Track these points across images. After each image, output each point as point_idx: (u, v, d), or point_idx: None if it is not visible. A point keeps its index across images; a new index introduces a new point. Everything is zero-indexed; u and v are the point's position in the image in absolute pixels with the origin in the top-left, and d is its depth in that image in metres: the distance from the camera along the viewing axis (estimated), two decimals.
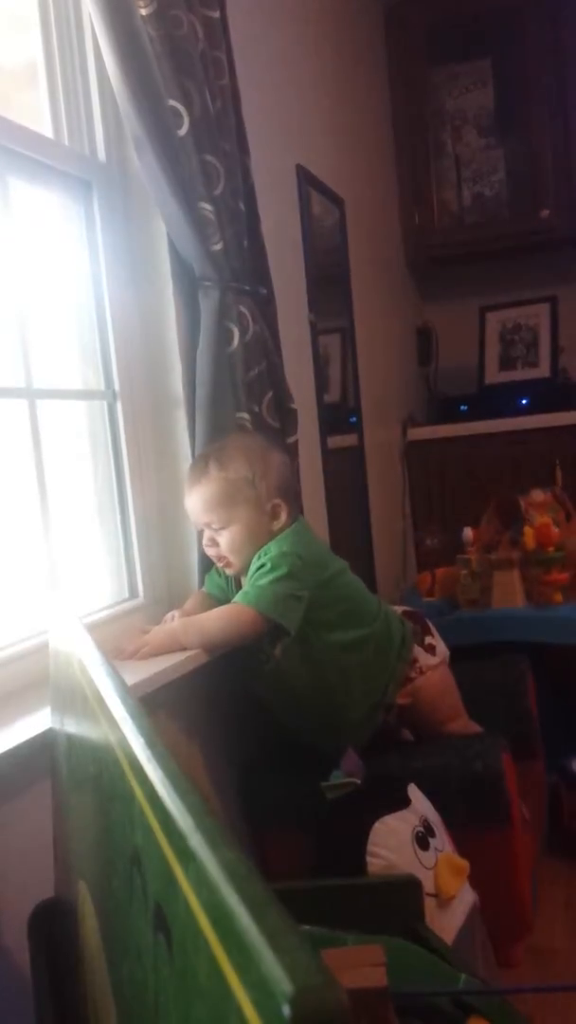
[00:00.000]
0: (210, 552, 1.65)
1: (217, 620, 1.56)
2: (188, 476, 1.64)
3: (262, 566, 1.56)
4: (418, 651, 1.78)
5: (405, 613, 1.85)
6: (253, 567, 1.59)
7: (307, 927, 1.06)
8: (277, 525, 1.62)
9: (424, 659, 1.78)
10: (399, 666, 1.74)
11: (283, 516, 1.62)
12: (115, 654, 1.48)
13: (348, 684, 1.68)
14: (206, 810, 0.45)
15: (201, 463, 1.61)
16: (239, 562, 1.62)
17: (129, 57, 1.53)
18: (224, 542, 1.61)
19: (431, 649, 1.81)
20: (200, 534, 1.67)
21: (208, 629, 1.54)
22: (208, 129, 1.61)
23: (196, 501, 1.61)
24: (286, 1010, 0.29)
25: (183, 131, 1.57)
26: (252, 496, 1.60)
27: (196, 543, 1.72)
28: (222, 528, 1.61)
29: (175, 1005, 0.46)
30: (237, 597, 1.56)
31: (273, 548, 1.58)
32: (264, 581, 1.54)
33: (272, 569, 1.55)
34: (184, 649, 1.53)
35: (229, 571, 1.66)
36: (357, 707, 1.71)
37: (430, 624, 1.87)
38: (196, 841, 0.43)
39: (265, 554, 1.58)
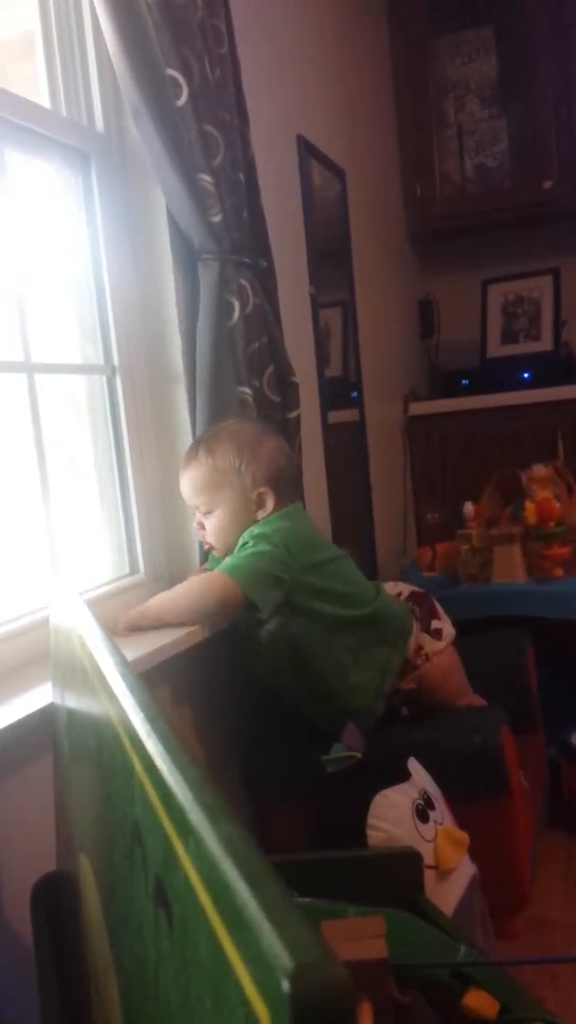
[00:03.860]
0: (199, 534, 1.67)
1: (187, 589, 1.57)
2: (183, 458, 1.65)
3: (244, 544, 1.58)
4: (423, 637, 1.78)
5: (412, 595, 1.84)
6: (238, 547, 1.59)
7: (307, 899, 1.07)
8: (262, 514, 1.62)
9: (430, 645, 1.78)
10: (394, 657, 1.73)
11: (269, 505, 1.62)
12: (110, 630, 1.48)
13: (343, 672, 1.68)
14: (206, 784, 0.45)
15: (193, 447, 1.63)
16: (222, 546, 1.63)
17: (127, 26, 1.51)
18: (209, 526, 1.63)
19: (437, 634, 1.80)
20: (194, 513, 1.68)
21: (178, 596, 1.55)
22: (207, 99, 1.59)
23: (186, 484, 1.64)
24: (286, 985, 0.29)
25: (182, 101, 1.55)
26: (237, 484, 1.60)
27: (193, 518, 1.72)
28: (208, 512, 1.62)
29: (175, 979, 0.46)
30: (216, 566, 1.57)
31: (257, 528, 1.59)
32: (243, 554, 1.55)
33: (254, 546, 1.55)
34: (162, 621, 1.52)
35: (215, 554, 1.67)
36: (354, 694, 1.71)
37: (437, 607, 1.86)
38: (196, 816, 0.43)
39: (249, 534, 1.59)
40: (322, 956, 0.30)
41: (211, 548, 1.66)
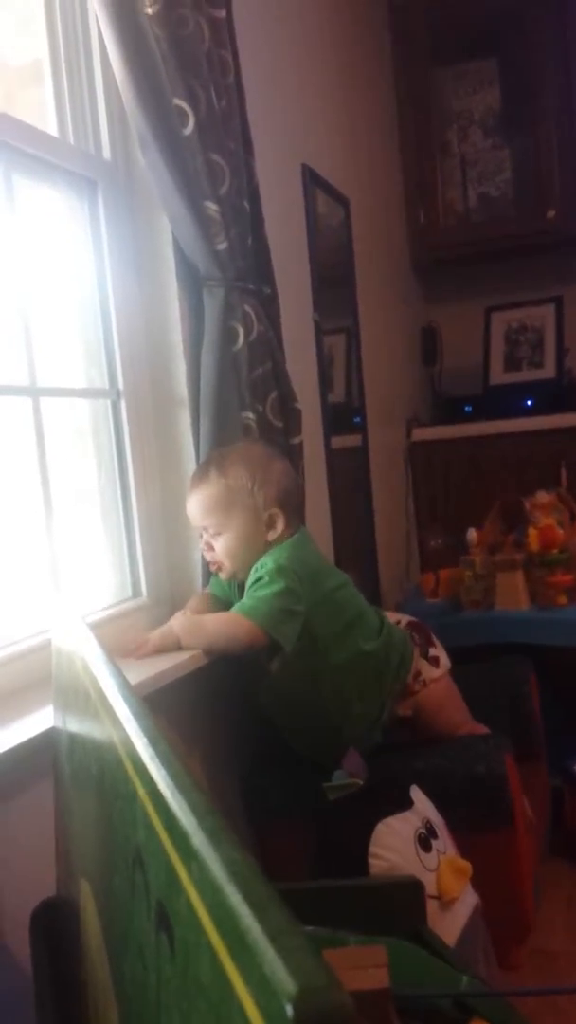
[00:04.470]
0: (206, 556, 1.65)
1: (216, 625, 1.56)
2: (191, 479, 1.65)
3: (259, 579, 1.56)
4: (421, 663, 1.77)
5: (410, 624, 1.84)
6: (251, 579, 1.58)
7: (309, 927, 1.06)
8: (273, 535, 1.61)
9: (427, 671, 1.78)
10: (395, 686, 1.73)
11: (279, 526, 1.61)
12: (116, 653, 1.48)
13: (345, 704, 1.68)
14: (209, 809, 0.45)
15: (203, 467, 1.62)
16: (232, 567, 1.62)
17: (135, 56, 1.53)
18: (219, 547, 1.62)
19: (434, 661, 1.80)
20: (200, 536, 1.67)
21: (207, 631, 1.54)
22: (213, 128, 1.61)
23: (195, 504, 1.62)
24: (289, 1010, 0.29)
25: (188, 130, 1.56)
26: (250, 504, 1.60)
27: (199, 540, 1.72)
28: (217, 533, 1.61)
29: (177, 1004, 0.46)
30: (235, 607, 1.56)
31: (270, 562, 1.57)
32: (261, 593, 1.53)
33: (269, 583, 1.54)
34: (183, 649, 1.53)
35: (222, 575, 1.66)
36: (354, 724, 1.70)
37: (433, 636, 1.86)
38: (199, 840, 0.42)
39: (263, 567, 1.57)
40: (326, 981, 0.30)
41: (218, 570, 1.65)
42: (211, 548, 1.63)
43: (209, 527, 1.62)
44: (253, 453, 1.63)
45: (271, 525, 1.61)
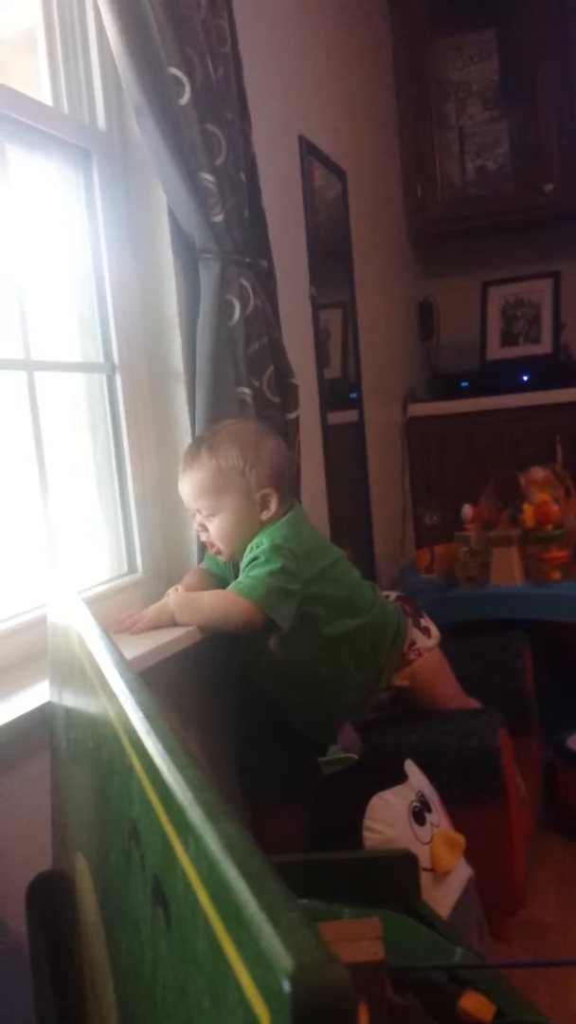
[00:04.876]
0: (201, 536, 1.65)
1: (211, 601, 1.55)
2: (182, 460, 1.63)
3: (255, 558, 1.55)
4: (415, 633, 1.78)
5: (399, 598, 1.85)
6: (246, 558, 1.57)
7: (304, 900, 1.06)
8: (266, 515, 1.60)
9: (421, 641, 1.78)
10: (392, 653, 1.73)
11: (273, 506, 1.60)
12: (111, 628, 1.48)
13: (343, 675, 1.68)
14: (205, 784, 0.45)
15: (194, 448, 1.61)
16: (227, 550, 1.62)
17: (130, 24, 1.50)
18: (213, 529, 1.61)
19: (427, 631, 1.81)
20: (194, 516, 1.66)
21: (203, 608, 1.54)
22: (210, 98, 1.59)
23: (187, 486, 1.61)
24: (286, 985, 0.29)
25: (184, 100, 1.54)
26: (242, 485, 1.58)
27: (193, 520, 1.72)
28: (211, 515, 1.60)
29: (173, 978, 0.46)
30: (231, 586, 1.56)
31: (266, 540, 1.56)
32: (257, 572, 1.52)
33: (265, 562, 1.53)
34: (177, 624, 1.53)
35: (220, 558, 1.65)
36: (350, 695, 1.71)
37: (421, 609, 1.87)
38: (195, 815, 0.42)
39: (258, 546, 1.56)
40: (323, 957, 0.30)
41: (216, 552, 1.64)
42: (205, 529, 1.62)
43: (202, 509, 1.61)
44: (244, 432, 1.61)
45: (264, 505, 1.60)
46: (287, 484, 1.67)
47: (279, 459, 1.64)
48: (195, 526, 1.65)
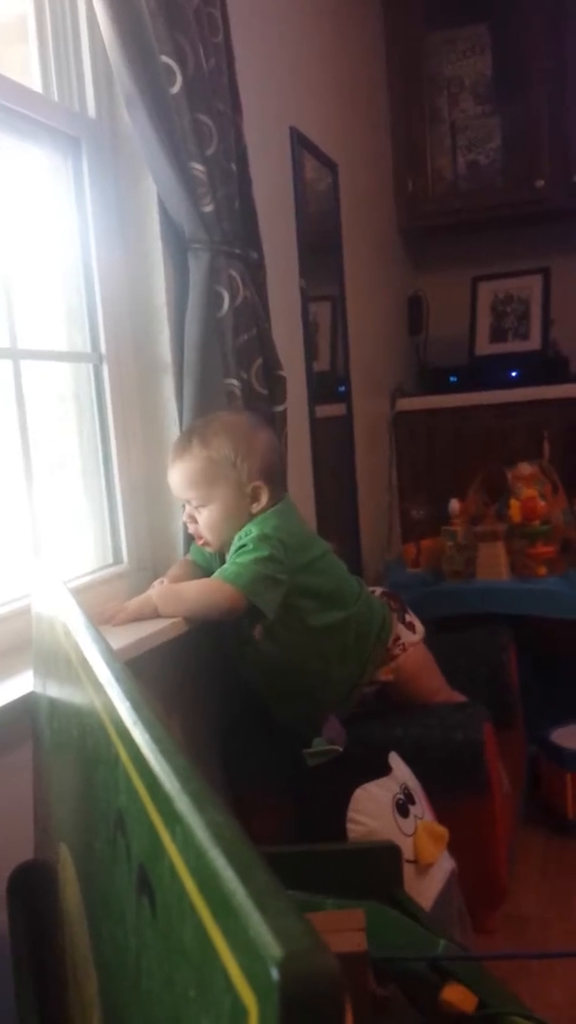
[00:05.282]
0: (189, 528, 1.64)
1: (194, 591, 1.55)
2: (172, 450, 1.62)
3: (243, 546, 1.55)
4: (400, 628, 1.78)
5: (384, 593, 1.85)
6: (234, 546, 1.57)
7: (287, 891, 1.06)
8: (256, 507, 1.60)
9: (406, 636, 1.79)
10: (377, 648, 1.74)
11: (263, 499, 1.60)
12: (93, 620, 1.47)
13: (327, 667, 1.68)
14: (193, 773, 0.45)
15: (185, 438, 1.60)
16: (216, 541, 1.61)
17: (122, 11, 1.49)
18: (202, 520, 1.60)
19: (411, 627, 1.81)
20: (183, 507, 1.66)
21: (186, 599, 1.54)
22: (201, 87, 1.58)
23: (177, 476, 1.60)
24: (275, 973, 0.29)
25: (176, 89, 1.53)
26: (233, 476, 1.58)
27: (182, 511, 1.71)
28: (201, 506, 1.60)
29: (158, 967, 0.46)
30: (216, 573, 1.55)
31: (254, 529, 1.56)
32: (243, 559, 1.52)
33: (252, 550, 1.53)
34: (160, 616, 1.52)
35: (207, 549, 1.65)
36: (334, 688, 1.71)
37: (406, 605, 1.87)
38: (182, 803, 0.42)
39: (247, 534, 1.56)
40: (312, 945, 0.30)
41: (204, 543, 1.63)
42: (194, 520, 1.62)
43: (192, 500, 1.60)
44: (237, 424, 1.61)
45: (255, 498, 1.60)
46: (278, 477, 1.67)
47: (271, 452, 1.64)
48: (183, 516, 1.65)
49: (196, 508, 1.61)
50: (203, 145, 1.59)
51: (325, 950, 0.29)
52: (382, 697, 1.78)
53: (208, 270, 1.64)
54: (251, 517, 1.59)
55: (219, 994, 0.34)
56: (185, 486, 1.59)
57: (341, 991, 0.29)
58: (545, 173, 3.15)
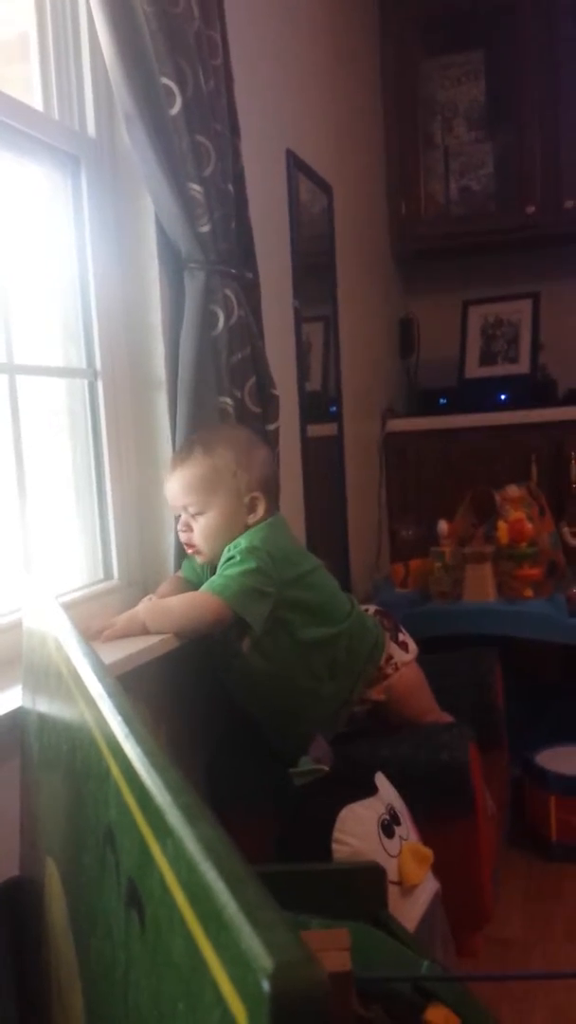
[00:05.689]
0: (182, 536, 1.64)
1: (181, 605, 1.55)
2: (173, 458, 1.64)
3: (231, 558, 1.56)
4: (393, 647, 1.79)
5: (377, 612, 1.86)
6: (223, 558, 1.58)
7: None
8: (253, 519, 1.62)
9: (399, 655, 1.79)
10: (368, 668, 1.74)
11: (260, 510, 1.62)
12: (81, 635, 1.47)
13: (317, 684, 1.68)
14: (184, 787, 0.45)
15: (188, 446, 1.62)
16: (209, 550, 1.62)
17: (123, 32, 1.51)
18: (198, 528, 1.61)
19: (404, 646, 1.82)
20: (177, 518, 1.67)
21: (173, 613, 1.54)
22: (200, 109, 1.60)
23: (177, 482, 1.61)
24: (266, 985, 0.29)
25: (175, 110, 1.55)
26: (232, 486, 1.60)
27: (174, 527, 1.72)
28: (198, 513, 1.61)
29: (146, 981, 0.46)
30: (204, 586, 1.56)
31: (243, 541, 1.57)
32: (231, 572, 1.53)
33: (240, 562, 1.54)
34: (148, 633, 1.52)
35: (199, 559, 1.65)
36: (323, 706, 1.71)
37: (400, 623, 1.88)
38: (174, 817, 0.43)
39: (235, 547, 1.57)
40: (302, 957, 0.30)
41: (195, 552, 1.64)
42: (189, 529, 1.62)
43: (190, 506, 1.61)
44: (238, 436, 1.64)
45: (252, 508, 1.62)
46: (273, 492, 1.69)
47: (268, 466, 1.67)
48: (179, 525, 1.65)
49: (193, 516, 1.61)
50: (201, 166, 1.61)
51: (315, 962, 0.30)
52: (373, 716, 1.79)
53: (203, 289, 1.66)
54: (245, 528, 1.61)
55: (208, 1006, 0.35)
56: (185, 491, 1.60)
57: (329, 1003, 0.29)
58: (536, 199, 3.18)
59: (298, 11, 2.48)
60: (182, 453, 1.62)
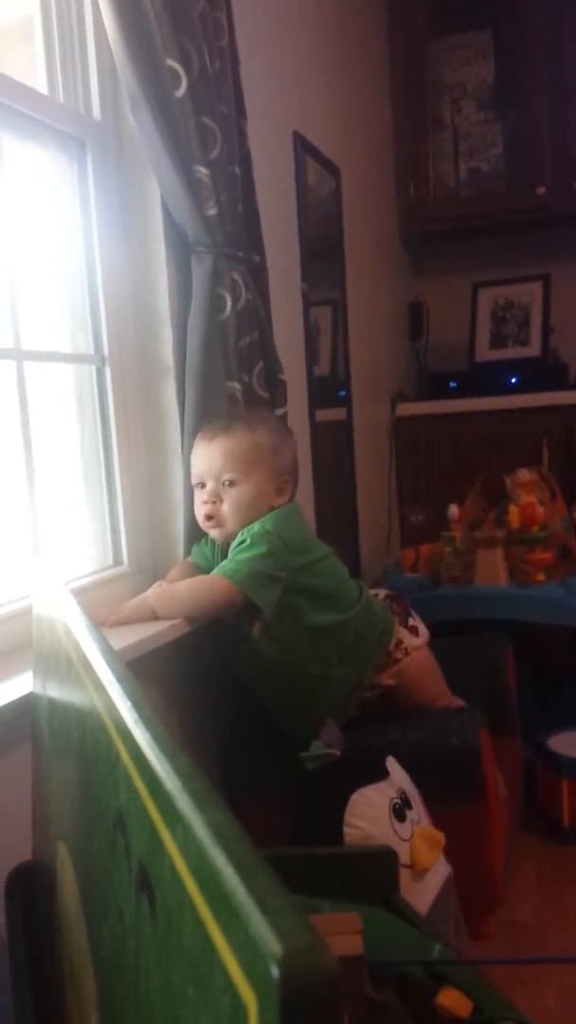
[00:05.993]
0: (207, 508, 1.61)
1: (190, 589, 1.56)
2: (207, 430, 1.61)
3: (243, 542, 1.56)
4: (402, 632, 1.79)
5: (388, 596, 1.85)
6: (235, 542, 1.58)
7: None
8: (279, 501, 1.63)
9: (408, 640, 1.79)
10: (377, 652, 1.74)
11: (286, 495, 1.65)
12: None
13: (326, 669, 1.68)
14: (194, 772, 0.45)
15: (225, 422, 1.62)
16: (233, 523, 1.60)
17: (128, 14, 1.50)
18: (229, 499, 1.60)
19: (414, 630, 1.82)
20: (189, 500, 1.66)
21: (183, 597, 1.54)
22: (206, 91, 1.59)
23: (217, 450, 1.59)
24: (275, 971, 0.29)
25: (181, 92, 1.54)
26: (270, 464, 1.62)
27: (183, 512, 1.71)
28: (233, 483, 1.59)
29: (157, 965, 0.46)
30: (215, 569, 1.56)
31: (257, 526, 1.58)
32: (242, 556, 1.54)
33: (252, 546, 1.55)
34: (157, 618, 1.52)
35: (216, 534, 1.63)
36: (333, 691, 1.71)
37: (410, 608, 1.88)
38: (183, 803, 0.42)
39: (248, 531, 1.58)
40: (311, 943, 0.30)
41: (216, 525, 1.61)
42: (217, 500, 1.60)
43: (229, 473, 1.59)
44: (275, 422, 1.71)
45: (281, 491, 1.64)
46: (297, 481, 1.71)
47: (295, 456, 1.71)
48: (203, 497, 1.61)
49: (227, 486, 1.60)
50: (207, 148, 1.60)
51: (325, 947, 0.30)
52: (385, 701, 1.79)
53: (211, 273, 1.65)
54: (270, 509, 1.61)
55: (218, 992, 0.35)
56: (226, 459, 1.59)
57: (340, 988, 0.29)
58: (546, 180, 3.15)
59: None
60: (222, 426, 1.61)
